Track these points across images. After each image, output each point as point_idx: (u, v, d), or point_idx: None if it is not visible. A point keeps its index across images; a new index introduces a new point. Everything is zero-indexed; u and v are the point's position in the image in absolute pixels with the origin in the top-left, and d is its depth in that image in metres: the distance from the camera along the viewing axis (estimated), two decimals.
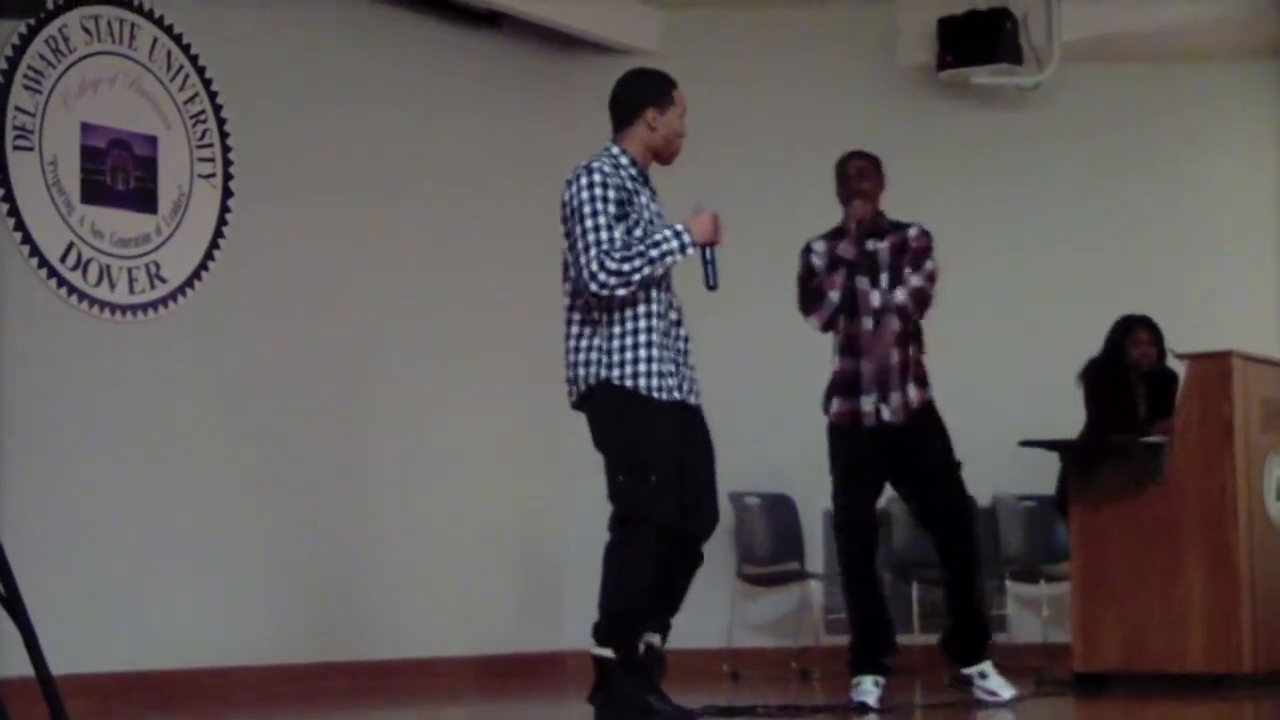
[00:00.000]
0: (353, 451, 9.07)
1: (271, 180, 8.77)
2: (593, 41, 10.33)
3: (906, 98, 10.48)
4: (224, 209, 8.55)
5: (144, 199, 8.20)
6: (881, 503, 9.91)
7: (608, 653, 5.99)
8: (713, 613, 9.21)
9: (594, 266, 5.79)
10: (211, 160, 8.51)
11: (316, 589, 8.84)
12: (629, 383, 5.91)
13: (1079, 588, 8.10)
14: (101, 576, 7.88)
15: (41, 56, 7.83)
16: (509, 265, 10.06)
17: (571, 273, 5.99)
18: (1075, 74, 10.19)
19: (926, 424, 7.35)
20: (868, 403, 7.21)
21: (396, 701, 8.35)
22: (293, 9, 9.00)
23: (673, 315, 6.06)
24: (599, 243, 5.80)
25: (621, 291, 5.82)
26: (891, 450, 7.22)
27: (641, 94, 6.13)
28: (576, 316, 6.02)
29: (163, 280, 8.25)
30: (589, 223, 5.84)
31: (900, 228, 7.47)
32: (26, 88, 7.76)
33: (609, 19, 10.29)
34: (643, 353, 5.92)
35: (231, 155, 8.59)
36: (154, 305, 8.21)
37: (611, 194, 5.88)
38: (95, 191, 7.99)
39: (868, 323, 7.26)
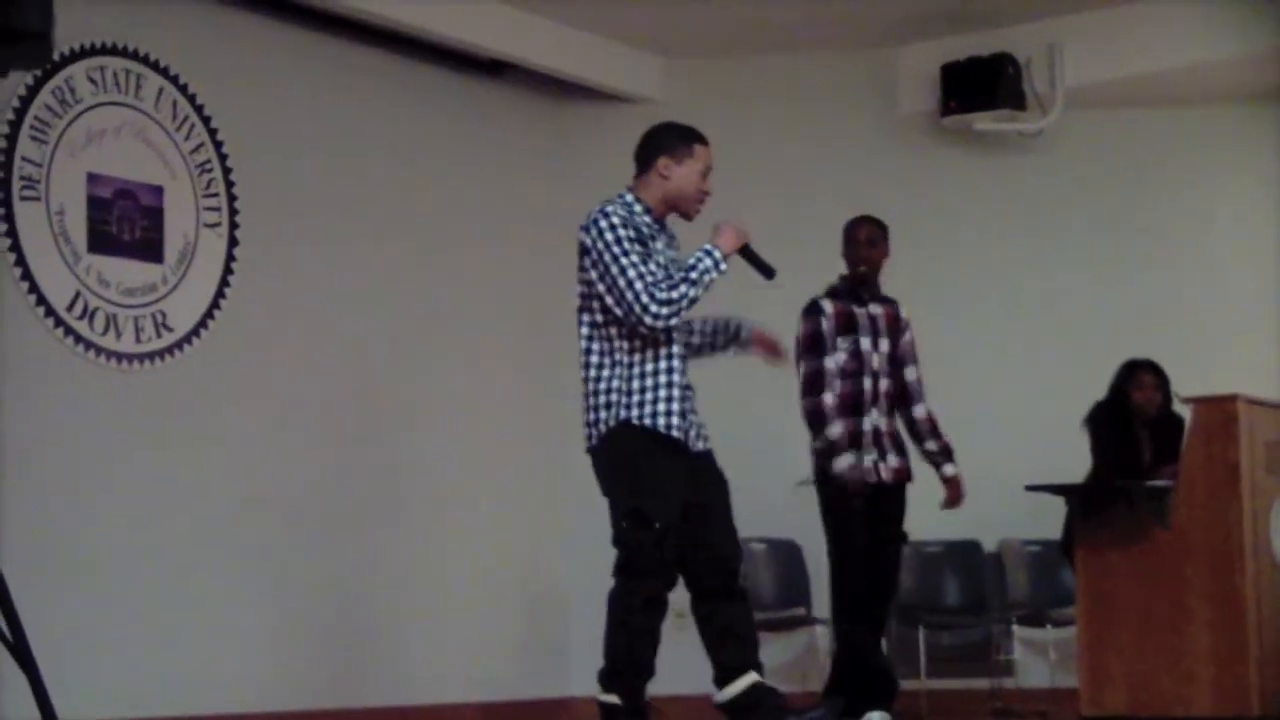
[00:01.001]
0: (359, 498, 9.07)
1: (277, 229, 8.79)
2: (594, 90, 10.37)
3: (909, 144, 10.50)
4: (230, 258, 8.57)
5: (150, 248, 8.23)
6: None
7: (612, 699, 6.04)
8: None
9: (644, 299, 5.84)
10: (217, 209, 8.54)
11: (323, 636, 8.83)
12: (647, 421, 5.95)
13: (1086, 632, 8.09)
14: (108, 623, 7.87)
15: (48, 107, 7.86)
16: (513, 311, 10.08)
17: (602, 315, 6.01)
18: (1079, 120, 10.21)
19: (902, 490, 7.74)
20: (868, 459, 7.53)
21: None
22: (297, 59, 9.04)
23: (679, 364, 6.09)
24: (641, 277, 5.86)
25: (674, 320, 5.89)
26: (874, 509, 7.50)
27: (659, 142, 6.18)
28: (595, 359, 6.07)
29: (169, 329, 8.27)
30: (624, 261, 5.88)
31: (890, 300, 7.86)
32: (33, 138, 7.79)
33: (610, 67, 10.33)
34: (662, 393, 5.98)
35: (237, 204, 8.62)
36: (160, 354, 8.23)
37: (633, 233, 5.95)
38: (101, 241, 8.02)
39: (867, 382, 7.61)
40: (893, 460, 7.64)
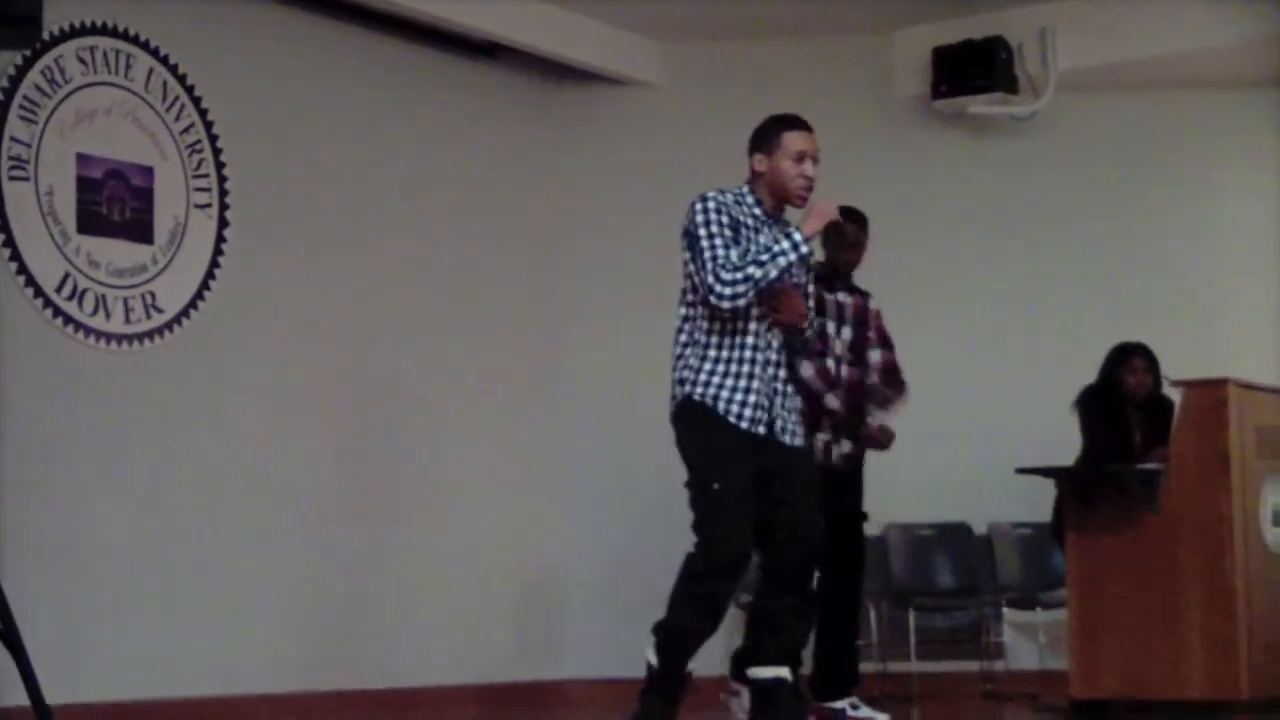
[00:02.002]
0: (353, 481, 9.07)
1: (267, 210, 8.78)
2: (589, 72, 10.36)
3: (902, 128, 10.50)
4: (220, 239, 8.56)
5: (140, 229, 8.22)
6: (879, 530, 10.00)
7: (652, 659, 6.14)
8: (713, 640, 9.17)
9: (710, 279, 5.93)
10: (208, 190, 8.53)
11: (319, 618, 8.84)
12: (709, 401, 6.02)
13: (1076, 615, 8.10)
14: (99, 606, 7.87)
15: (37, 87, 7.84)
16: (510, 294, 10.07)
17: (693, 295, 6.11)
18: (1071, 103, 10.21)
19: (858, 474, 7.76)
20: (819, 440, 7.50)
21: None
22: (288, 39, 9.02)
23: (773, 355, 6.12)
24: (714, 258, 5.94)
25: (741, 300, 5.94)
26: (826, 494, 7.39)
27: (752, 140, 6.26)
28: (683, 338, 6.16)
29: (159, 310, 8.26)
30: (704, 243, 5.99)
31: (861, 291, 7.88)
32: (22, 118, 7.78)
33: (606, 50, 10.31)
34: (730, 381, 6.04)
35: (227, 185, 8.61)
36: (150, 335, 8.22)
37: (725, 219, 6.03)
38: (91, 222, 8.01)
39: (829, 363, 7.61)
40: (845, 446, 7.62)
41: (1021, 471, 8.28)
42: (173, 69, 8.41)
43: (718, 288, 5.92)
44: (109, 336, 8.05)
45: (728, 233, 6.01)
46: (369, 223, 9.34)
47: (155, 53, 8.33)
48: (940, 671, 9.91)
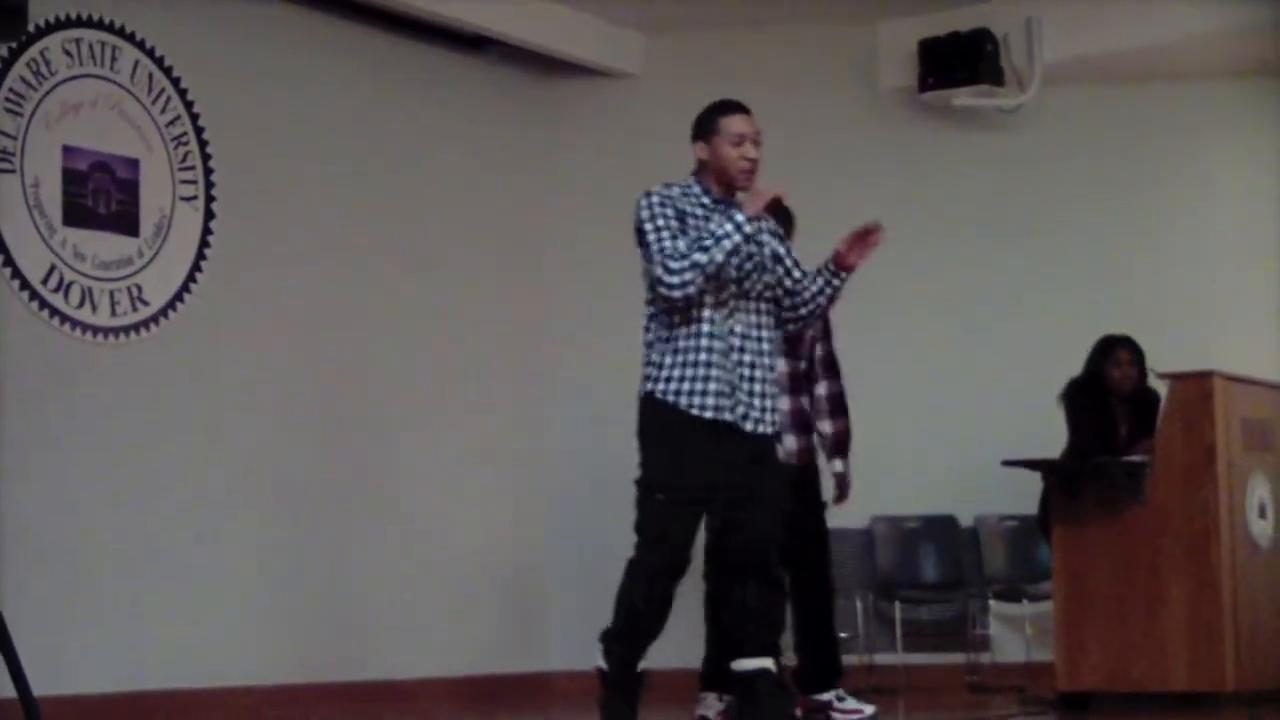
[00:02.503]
0: (337, 473, 9.07)
1: (253, 203, 8.77)
2: (575, 65, 10.35)
3: (888, 120, 10.50)
4: (206, 231, 8.55)
5: (126, 221, 8.20)
6: (863, 522, 10.00)
7: (603, 665, 6.14)
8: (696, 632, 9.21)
9: (659, 272, 5.95)
10: (193, 183, 8.51)
11: (303, 610, 8.83)
12: (670, 398, 6.01)
13: (1062, 607, 8.11)
14: (85, 597, 7.87)
15: (23, 79, 7.83)
16: (495, 287, 10.07)
17: (650, 291, 6.12)
18: (1057, 95, 10.21)
19: (810, 469, 7.67)
20: None
21: None
22: (274, 32, 9.01)
23: (735, 341, 6.08)
24: (661, 250, 5.96)
25: (691, 288, 5.92)
26: None
27: (693, 130, 6.27)
28: (648, 336, 6.17)
29: (145, 303, 8.25)
30: (651, 236, 6.01)
31: None
32: (8, 110, 7.76)
33: (592, 42, 10.31)
34: (690, 371, 6.01)
35: (213, 178, 8.59)
36: (136, 328, 8.21)
37: (671, 211, 6.06)
38: (77, 214, 7.99)
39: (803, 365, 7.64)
40: (790, 441, 7.49)
41: (1007, 464, 8.29)
42: (158, 61, 8.39)
43: (666, 278, 5.92)
44: (95, 329, 8.03)
45: (674, 224, 6.01)
46: (354, 215, 9.33)
47: (141, 45, 8.32)
48: (926, 664, 9.92)
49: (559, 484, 10.24)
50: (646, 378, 6.10)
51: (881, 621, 9.96)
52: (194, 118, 8.52)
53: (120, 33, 8.24)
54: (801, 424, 7.66)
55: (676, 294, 5.93)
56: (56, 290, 7.89)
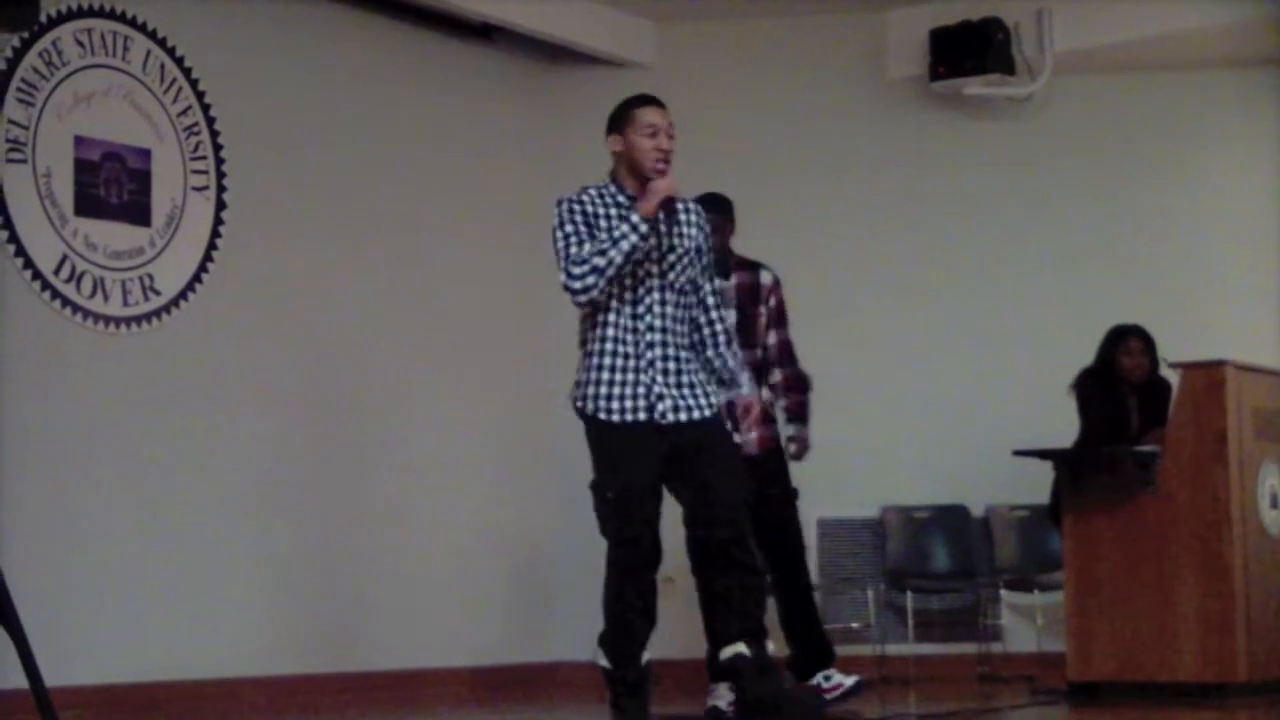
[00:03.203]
0: (346, 463, 9.07)
1: (265, 192, 8.78)
2: (585, 54, 10.34)
3: (898, 109, 10.49)
4: (217, 221, 8.55)
5: (138, 212, 8.21)
6: (874, 512, 10.00)
7: (604, 663, 6.22)
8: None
9: (562, 278, 6.05)
10: (205, 173, 8.52)
11: (310, 600, 8.84)
12: (588, 406, 6.16)
13: (1073, 597, 8.10)
14: (97, 588, 7.87)
15: (35, 69, 7.83)
16: (502, 277, 10.07)
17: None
18: (1068, 84, 10.20)
19: (773, 459, 7.60)
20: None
21: (390, 712, 8.35)
22: (285, 22, 9.01)
23: (652, 336, 6.12)
24: (566, 256, 6.06)
25: (595, 291, 6.01)
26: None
27: (608, 125, 6.29)
28: (580, 346, 6.27)
29: (156, 293, 8.26)
30: (559, 244, 6.10)
31: (750, 266, 7.67)
32: (20, 100, 7.77)
33: (602, 31, 10.30)
34: (596, 375, 6.15)
35: (225, 168, 8.60)
36: (148, 318, 8.21)
37: (580, 216, 6.12)
38: (89, 204, 8.00)
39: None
40: (750, 434, 7.44)
41: (1019, 454, 8.28)
42: (170, 51, 8.39)
43: (568, 282, 6.02)
44: (107, 319, 8.04)
45: (582, 229, 6.08)
46: (365, 205, 9.34)
47: (153, 35, 8.32)
48: (937, 654, 9.93)
49: (564, 475, 10.19)
50: (575, 386, 6.24)
51: (892, 611, 9.97)
52: (205, 108, 8.53)
53: (132, 23, 8.24)
54: (761, 414, 7.56)
55: (580, 298, 6.05)
56: (68, 280, 7.89)
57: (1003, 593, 9.94)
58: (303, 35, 9.09)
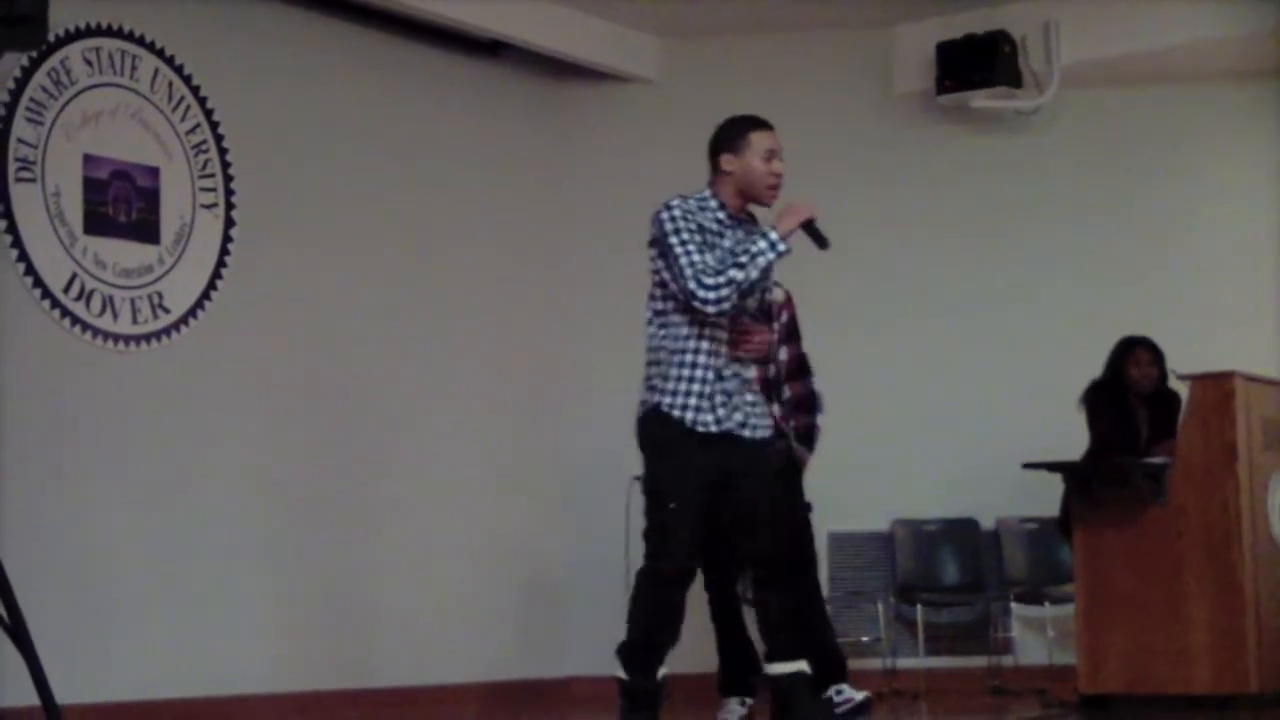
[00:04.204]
0: (356, 480, 9.07)
1: (273, 210, 8.79)
2: (592, 70, 10.36)
3: (905, 122, 10.49)
4: (226, 239, 8.57)
5: (146, 230, 8.22)
6: (884, 525, 9.99)
7: (622, 675, 6.18)
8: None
9: (692, 286, 5.98)
10: (213, 190, 8.53)
11: (322, 617, 8.84)
12: (676, 413, 6.06)
13: (1083, 609, 8.10)
14: (106, 605, 7.88)
15: (43, 88, 7.85)
16: (510, 295, 10.08)
17: (662, 304, 6.17)
18: (1074, 97, 10.21)
19: (788, 471, 7.55)
20: None
21: None
22: (293, 39, 9.03)
23: (735, 354, 6.14)
24: (693, 264, 5.99)
25: (726, 305, 5.98)
26: None
27: (717, 140, 6.28)
28: (651, 344, 6.22)
29: (165, 310, 8.27)
30: (678, 250, 6.04)
31: None
32: (29, 119, 7.78)
33: (608, 47, 10.32)
34: (693, 385, 6.07)
35: (233, 185, 8.61)
36: (157, 335, 8.23)
37: (694, 224, 6.08)
38: (98, 222, 8.01)
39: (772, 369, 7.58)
40: None
41: (1028, 466, 8.28)
42: (178, 69, 8.41)
43: (701, 293, 5.96)
44: (116, 337, 8.05)
45: (699, 237, 6.05)
46: (374, 221, 9.35)
47: (160, 53, 8.34)
48: (948, 667, 9.91)
49: (577, 488, 10.24)
50: (652, 389, 6.14)
51: (903, 624, 9.96)
52: (213, 126, 8.54)
53: (140, 41, 8.26)
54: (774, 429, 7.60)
55: (711, 309, 6.00)
56: (78, 298, 7.91)
57: (1013, 605, 9.92)
58: (310, 53, 9.11)
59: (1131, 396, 8.55)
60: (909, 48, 10.35)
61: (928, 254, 10.27)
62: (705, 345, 6.09)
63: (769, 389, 7.59)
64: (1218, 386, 7.85)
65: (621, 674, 6.17)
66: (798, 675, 6.11)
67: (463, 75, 9.95)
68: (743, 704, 7.66)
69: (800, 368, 7.73)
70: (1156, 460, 7.99)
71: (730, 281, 5.94)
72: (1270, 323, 10.03)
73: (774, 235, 6.01)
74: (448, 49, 9.81)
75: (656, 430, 6.11)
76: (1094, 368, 8.66)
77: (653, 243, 6.15)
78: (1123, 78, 10.26)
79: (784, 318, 7.68)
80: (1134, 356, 8.56)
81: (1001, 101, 10.09)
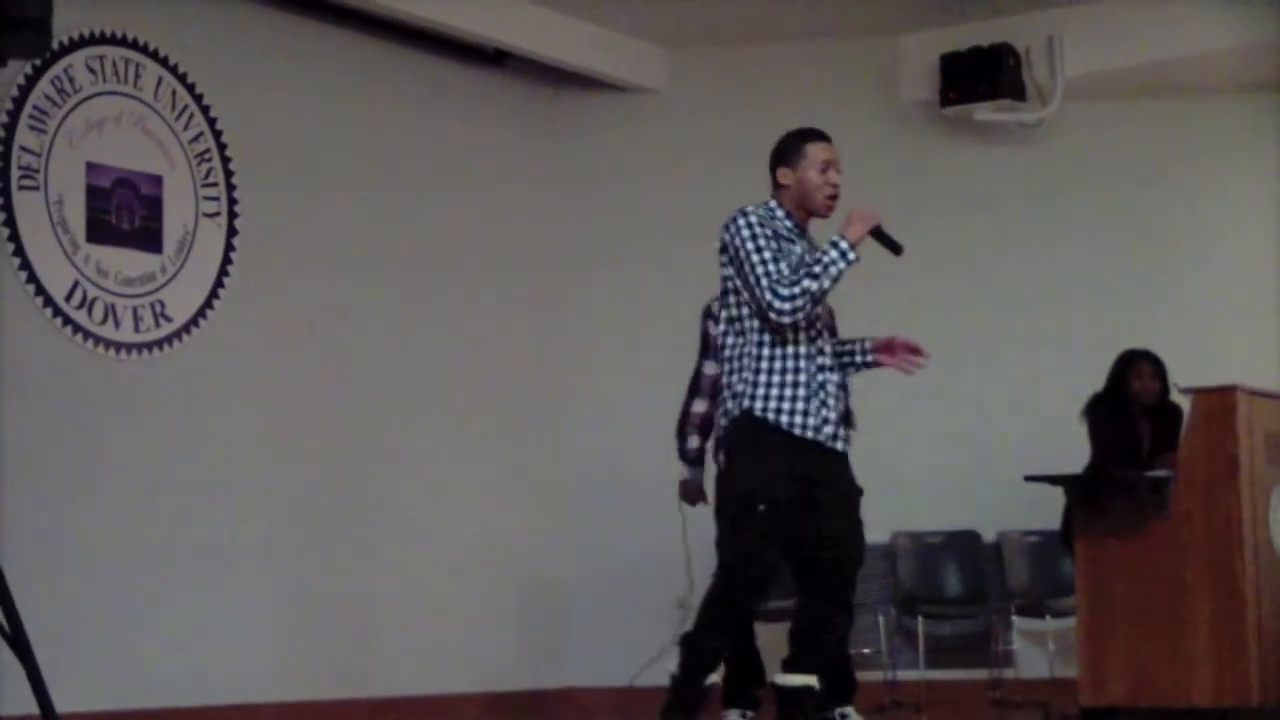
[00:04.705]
0: (357, 488, 9.07)
1: (276, 218, 8.79)
2: (597, 80, 10.36)
3: (909, 134, 10.49)
4: (229, 247, 8.57)
5: (149, 238, 8.23)
6: (885, 537, 9.98)
7: (675, 670, 6.18)
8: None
9: (768, 297, 5.99)
10: (216, 199, 8.53)
11: (323, 626, 8.84)
12: (771, 416, 6.06)
13: (1085, 622, 8.08)
14: (107, 613, 7.87)
15: (47, 96, 7.85)
16: (513, 302, 10.08)
17: (738, 310, 6.16)
18: (1078, 110, 10.20)
19: None
20: None
21: None
22: (295, 48, 9.03)
23: (821, 360, 6.16)
24: (768, 274, 6.01)
25: (800, 315, 6.00)
26: None
27: (774, 156, 6.31)
28: (729, 352, 6.20)
29: (168, 319, 8.27)
30: (755, 258, 6.05)
31: None
32: (32, 128, 7.79)
33: (613, 57, 10.32)
34: (789, 392, 6.07)
35: (236, 194, 8.62)
36: (159, 344, 8.23)
37: (770, 231, 6.10)
38: (100, 230, 8.02)
39: None
40: None
41: (1030, 479, 8.26)
42: (181, 78, 8.42)
43: (777, 304, 5.98)
44: (118, 345, 8.05)
45: (774, 245, 6.07)
46: (376, 231, 9.35)
47: (164, 62, 8.34)
48: (949, 679, 9.89)
49: (579, 498, 10.23)
50: (739, 395, 6.11)
51: (904, 637, 9.94)
52: (216, 134, 8.55)
53: (143, 49, 8.26)
54: None
55: (787, 319, 6.02)
56: (80, 307, 7.91)
57: (1014, 618, 9.91)
58: (313, 61, 9.11)
59: (1133, 409, 8.56)
60: (913, 59, 10.35)
61: (930, 265, 10.25)
62: (797, 350, 6.10)
63: None
64: (1220, 400, 7.84)
65: (676, 669, 6.15)
66: (805, 690, 6.10)
67: (466, 85, 9.95)
68: (744, 716, 7.66)
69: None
70: (1159, 473, 7.98)
71: (805, 292, 5.97)
72: (1275, 335, 10.02)
73: (844, 244, 6.03)
74: (451, 58, 9.82)
75: (749, 433, 6.08)
76: (1097, 380, 8.66)
77: (723, 249, 6.15)
78: (1126, 90, 10.25)
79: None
80: (1136, 369, 8.56)
81: (1005, 114, 10.09)
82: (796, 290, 5.96)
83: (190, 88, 8.45)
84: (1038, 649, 9.91)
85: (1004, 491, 9.22)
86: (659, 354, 9.54)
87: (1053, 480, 8.27)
